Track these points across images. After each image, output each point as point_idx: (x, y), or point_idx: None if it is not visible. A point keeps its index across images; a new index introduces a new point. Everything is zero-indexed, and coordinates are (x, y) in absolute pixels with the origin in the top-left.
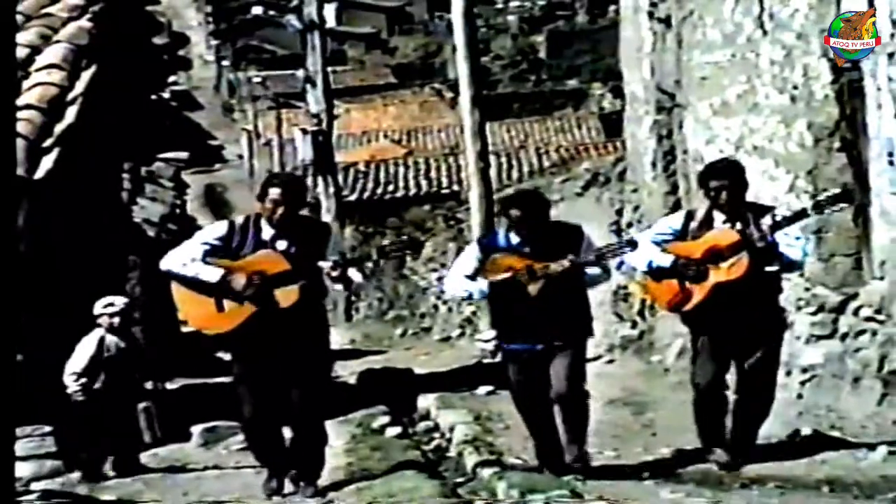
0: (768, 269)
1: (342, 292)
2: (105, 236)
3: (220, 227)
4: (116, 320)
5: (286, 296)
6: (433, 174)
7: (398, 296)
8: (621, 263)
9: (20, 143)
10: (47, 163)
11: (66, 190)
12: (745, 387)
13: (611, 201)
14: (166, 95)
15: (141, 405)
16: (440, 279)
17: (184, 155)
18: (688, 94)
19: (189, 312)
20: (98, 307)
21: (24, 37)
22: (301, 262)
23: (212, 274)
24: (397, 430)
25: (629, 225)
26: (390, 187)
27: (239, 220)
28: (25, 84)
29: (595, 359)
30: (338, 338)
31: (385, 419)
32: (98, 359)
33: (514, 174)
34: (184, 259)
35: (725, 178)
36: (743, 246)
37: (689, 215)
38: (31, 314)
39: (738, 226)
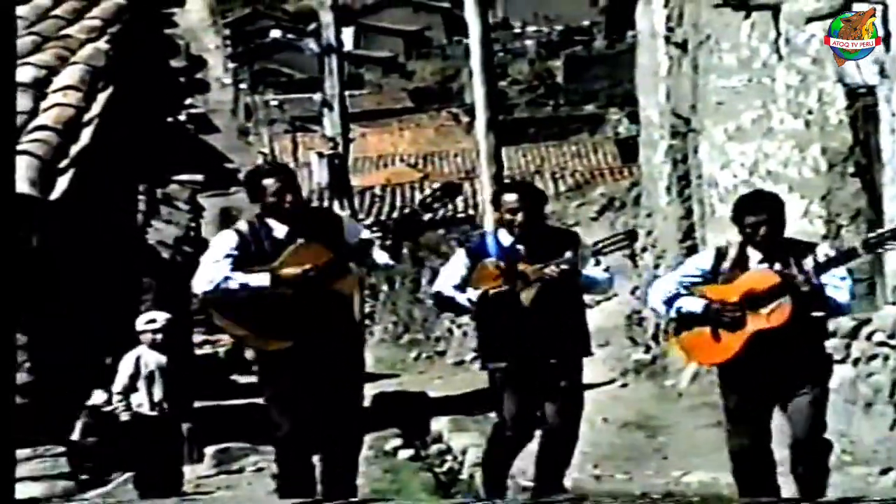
0: (815, 314)
1: (390, 266)
2: (119, 258)
3: (230, 238)
4: (159, 337)
5: (348, 284)
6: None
7: (413, 319)
8: (635, 288)
9: (35, 163)
10: (62, 184)
11: (81, 211)
12: (798, 433)
13: (625, 226)
14: (183, 118)
15: (185, 425)
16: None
17: (199, 178)
18: (703, 119)
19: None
20: (140, 323)
21: (41, 58)
22: (336, 251)
23: (261, 279)
24: (410, 452)
25: (643, 249)
26: (405, 211)
27: (242, 226)
28: (42, 105)
29: (609, 382)
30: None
31: (398, 441)
32: (136, 376)
33: None
34: (218, 275)
35: (764, 213)
36: (784, 289)
37: (720, 254)
38: (41, 334)
39: (778, 266)
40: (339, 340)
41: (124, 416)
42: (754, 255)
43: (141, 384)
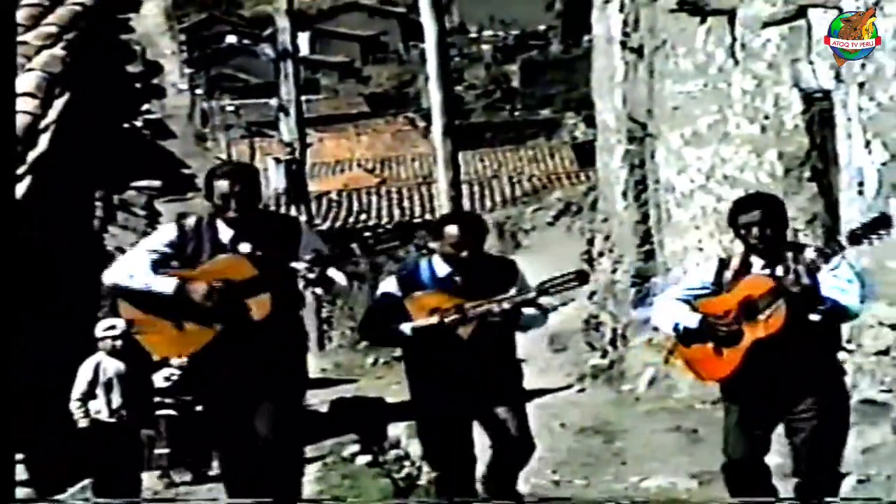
0: (812, 317)
1: (322, 296)
2: (77, 264)
3: (169, 232)
4: (119, 343)
5: (258, 306)
6: (406, 203)
7: None
8: (593, 293)
9: None
10: (20, 190)
11: (39, 217)
12: (799, 464)
13: (582, 231)
14: (139, 124)
15: (145, 432)
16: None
17: (156, 183)
18: (659, 124)
19: (144, 335)
20: (99, 330)
21: None
22: (270, 266)
23: (165, 284)
24: (368, 458)
25: (600, 254)
26: (363, 216)
27: (190, 221)
28: None
29: (566, 388)
30: (310, 366)
31: (355, 447)
32: (95, 383)
33: (487, 203)
34: (130, 270)
35: (756, 212)
36: (778, 293)
37: (723, 264)
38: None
39: (780, 271)
40: (273, 341)
41: (83, 423)
42: (757, 262)
43: (100, 391)
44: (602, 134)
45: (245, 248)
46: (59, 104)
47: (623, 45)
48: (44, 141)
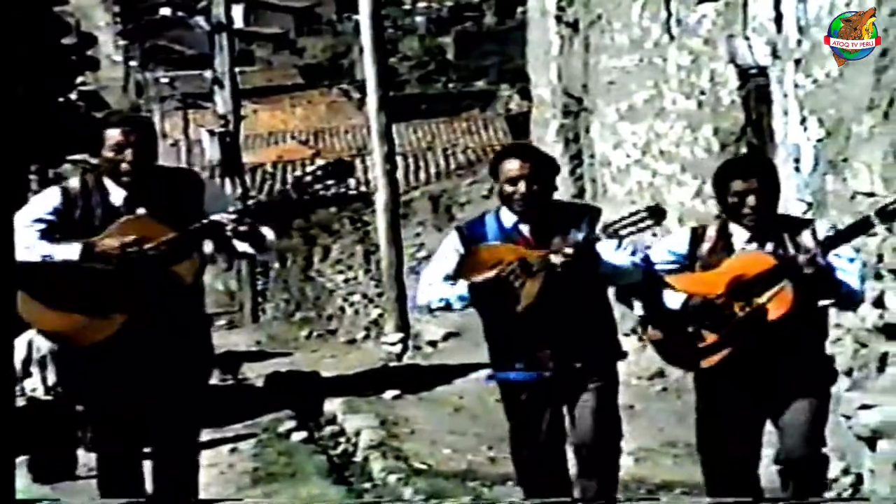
0: (823, 303)
1: (252, 256)
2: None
3: (52, 197)
4: None
5: (187, 269)
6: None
7: (305, 297)
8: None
9: None
10: None
11: None
12: (790, 450)
13: None
14: (74, 96)
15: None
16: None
17: (91, 157)
18: (595, 99)
19: (45, 321)
20: None
21: None
22: (183, 224)
23: (69, 251)
24: (303, 434)
25: None
26: (273, 194)
27: (73, 184)
28: None
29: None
30: (245, 339)
31: (291, 423)
32: (29, 361)
33: (422, 176)
34: (24, 243)
35: (754, 178)
36: (781, 273)
37: (696, 234)
38: None
39: (770, 246)
40: (172, 329)
41: (18, 402)
42: (740, 234)
43: (34, 368)
44: (537, 108)
45: (141, 211)
46: None
47: (558, 18)
48: None
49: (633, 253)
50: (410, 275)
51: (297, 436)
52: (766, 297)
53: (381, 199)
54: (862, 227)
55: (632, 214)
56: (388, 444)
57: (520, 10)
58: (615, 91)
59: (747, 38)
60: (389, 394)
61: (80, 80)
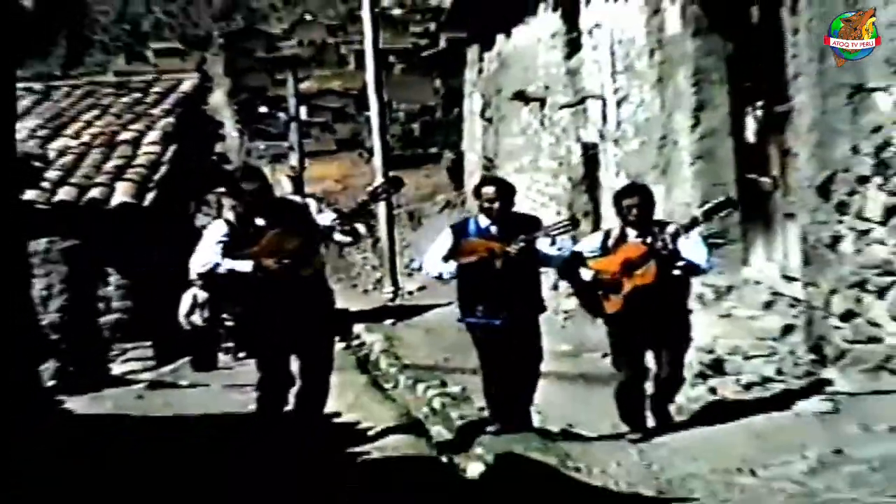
0: (675, 272)
1: (350, 244)
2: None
3: (221, 227)
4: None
5: (317, 262)
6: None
7: (339, 267)
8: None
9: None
10: (148, 200)
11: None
12: (661, 371)
13: (450, 218)
14: (214, 157)
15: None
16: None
17: (222, 190)
18: (502, 161)
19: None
20: (193, 273)
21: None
22: (302, 236)
23: (244, 265)
24: (343, 345)
25: None
26: (359, 201)
27: (230, 216)
28: (139, 151)
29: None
30: None
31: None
32: (194, 304)
33: (403, 200)
34: (214, 259)
35: (636, 197)
36: (650, 255)
37: (607, 234)
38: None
39: (649, 240)
40: (315, 290)
41: (187, 328)
42: (632, 233)
43: (196, 309)
44: (467, 165)
45: (276, 230)
46: (171, 149)
47: (482, 115)
48: (163, 169)
49: (557, 246)
50: (399, 255)
51: (339, 346)
52: (641, 271)
53: (381, 212)
54: (694, 223)
55: (560, 223)
56: (389, 350)
57: (456, 110)
58: (512, 156)
59: (586, 128)
60: (388, 322)
61: (217, 148)
